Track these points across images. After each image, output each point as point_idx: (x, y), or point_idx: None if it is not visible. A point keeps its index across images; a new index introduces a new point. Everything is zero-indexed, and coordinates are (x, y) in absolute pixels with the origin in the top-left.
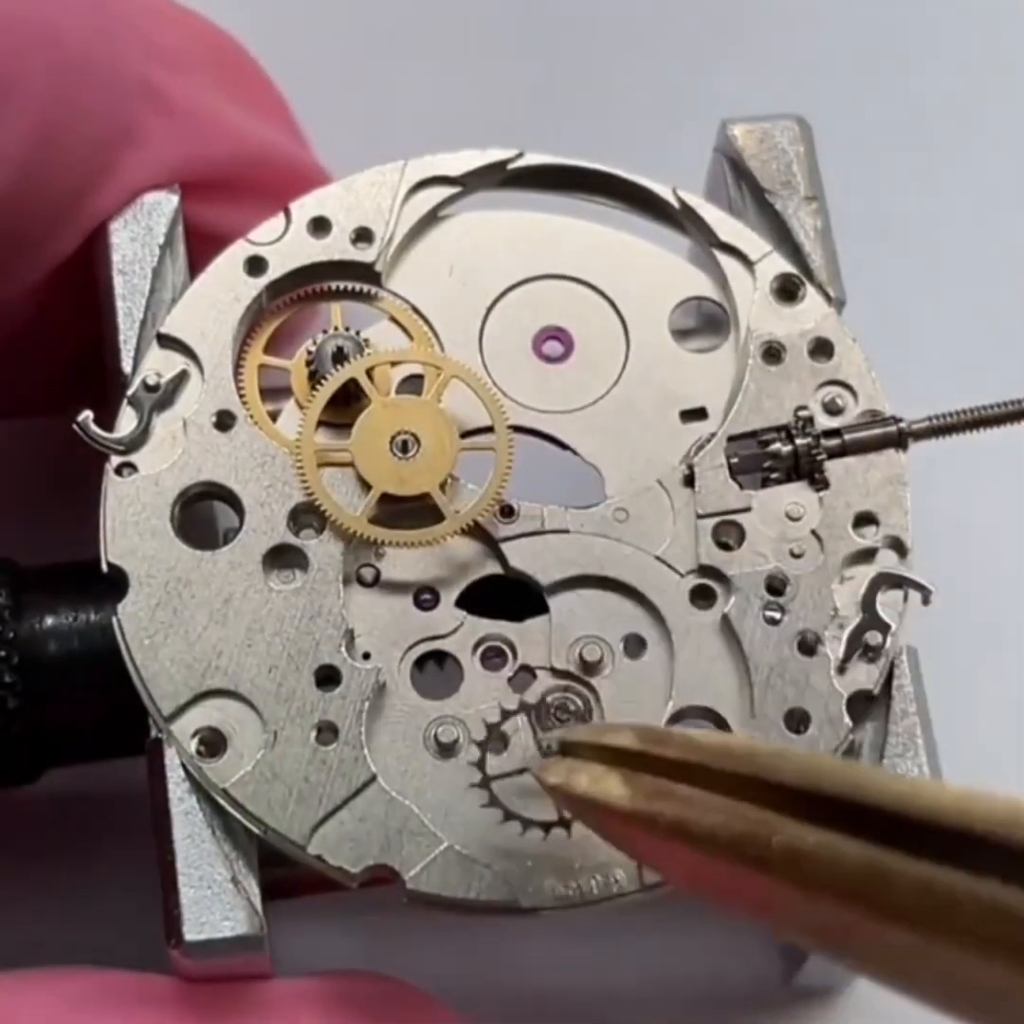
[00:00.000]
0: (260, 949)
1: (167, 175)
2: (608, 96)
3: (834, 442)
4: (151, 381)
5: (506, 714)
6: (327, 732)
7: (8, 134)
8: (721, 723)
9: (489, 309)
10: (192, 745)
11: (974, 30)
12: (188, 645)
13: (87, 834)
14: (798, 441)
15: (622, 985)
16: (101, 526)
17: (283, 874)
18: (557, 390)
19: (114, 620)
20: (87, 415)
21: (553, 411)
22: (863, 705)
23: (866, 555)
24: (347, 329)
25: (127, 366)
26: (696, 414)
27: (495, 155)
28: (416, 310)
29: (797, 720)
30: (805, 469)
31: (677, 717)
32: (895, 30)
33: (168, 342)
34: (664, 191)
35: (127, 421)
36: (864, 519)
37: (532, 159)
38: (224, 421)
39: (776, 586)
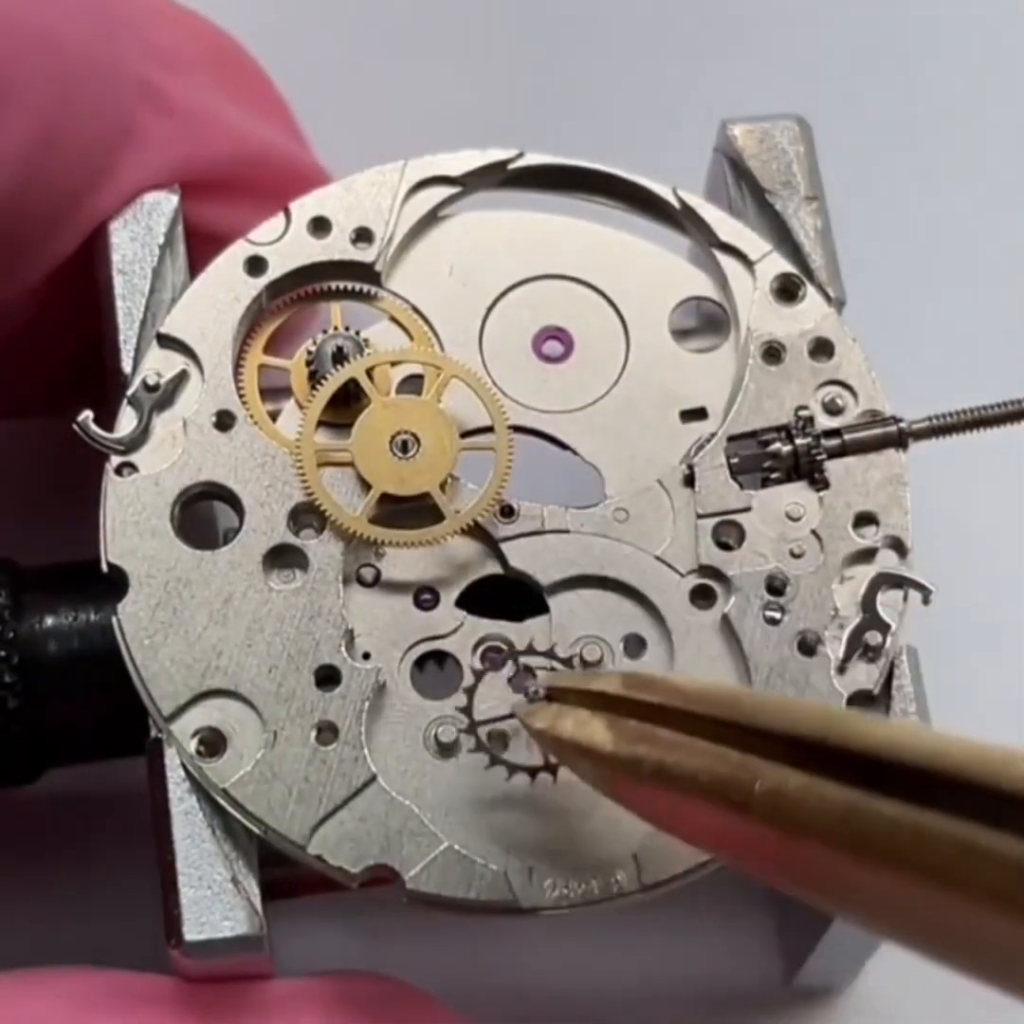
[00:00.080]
0: (260, 949)
1: (167, 175)
2: (608, 96)
3: (834, 442)
4: (151, 381)
5: (492, 661)
6: (327, 732)
7: (8, 135)
8: None
9: (489, 309)
10: (192, 745)
11: (974, 30)
12: (188, 645)
13: (87, 834)
14: (798, 441)
15: (622, 985)
16: (101, 526)
17: (283, 874)
18: (557, 390)
19: (114, 620)
20: (87, 415)
21: (553, 411)
22: (863, 705)
23: (866, 555)
24: (347, 329)
25: (127, 366)
26: (696, 414)
27: (495, 155)
28: (416, 310)
29: None
30: (805, 469)
31: None
32: (895, 30)
33: (168, 342)
34: (664, 191)
35: (127, 421)
36: (864, 519)
37: (532, 159)
38: (224, 421)
39: (776, 586)
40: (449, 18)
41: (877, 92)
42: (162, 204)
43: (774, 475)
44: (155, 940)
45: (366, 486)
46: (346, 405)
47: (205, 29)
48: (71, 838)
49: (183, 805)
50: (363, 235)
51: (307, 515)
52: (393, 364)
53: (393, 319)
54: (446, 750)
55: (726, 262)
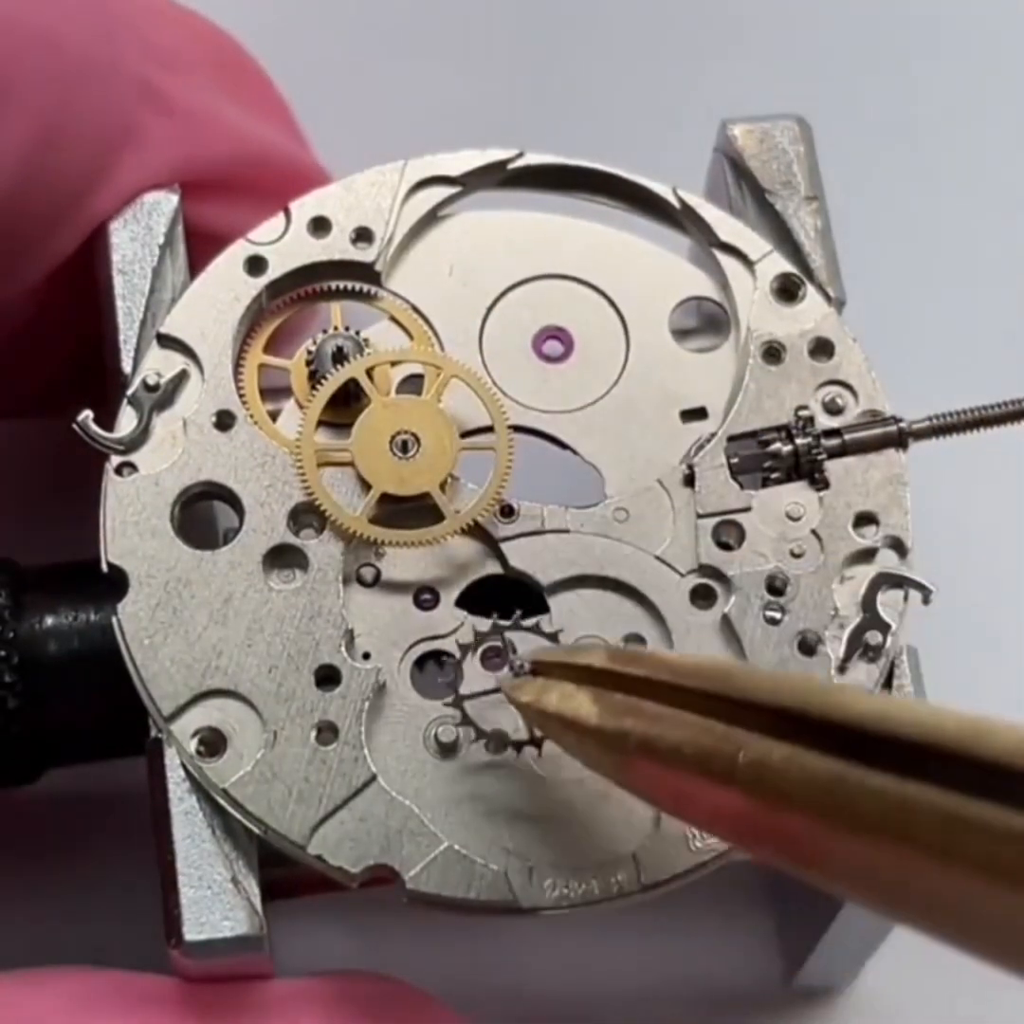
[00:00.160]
0: (260, 949)
1: (167, 175)
2: (608, 96)
3: (834, 442)
4: (151, 381)
5: (481, 636)
6: (327, 732)
7: (7, 135)
8: None
9: (489, 309)
10: (192, 745)
11: (974, 30)
12: (188, 645)
13: (87, 834)
14: (798, 441)
15: (622, 985)
16: (101, 526)
17: (283, 874)
18: (557, 390)
19: (114, 620)
20: (87, 415)
21: (553, 411)
22: None
23: (866, 555)
24: (347, 329)
25: (127, 366)
26: (696, 414)
27: (495, 155)
28: (416, 310)
29: None
30: (805, 469)
31: None
32: (895, 30)
33: (168, 342)
34: (664, 191)
35: (127, 421)
36: (864, 519)
37: (532, 159)
38: (224, 421)
39: (776, 586)
40: (449, 18)
41: (877, 92)
42: (162, 204)
43: (774, 475)
44: (155, 940)
45: (366, 486)
46: (346, 405)
47: (205, 29)
48: (71, 838)
49: (183, 805)
50: (363, 235)
51: (307, 515)
52: (393, 364)
53: (393, 319)
54: (446, 750)
55: (726, 262)
